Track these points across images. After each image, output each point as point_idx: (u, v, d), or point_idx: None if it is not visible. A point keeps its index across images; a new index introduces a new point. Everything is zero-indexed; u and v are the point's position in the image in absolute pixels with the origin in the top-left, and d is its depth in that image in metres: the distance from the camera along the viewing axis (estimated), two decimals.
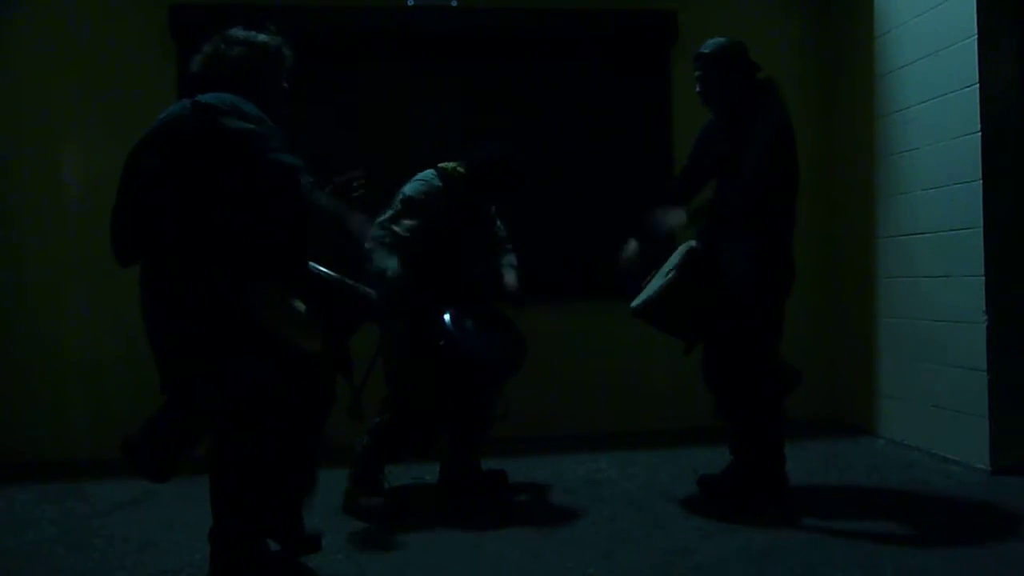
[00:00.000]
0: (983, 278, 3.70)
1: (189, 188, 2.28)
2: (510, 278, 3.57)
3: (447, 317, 3.27)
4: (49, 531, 3.22)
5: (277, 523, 2.64)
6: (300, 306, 2.38)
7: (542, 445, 4.47)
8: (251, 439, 2.36)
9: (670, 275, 3.17)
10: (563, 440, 4.63)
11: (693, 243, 3.28)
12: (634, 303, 3.29)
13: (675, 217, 3.30)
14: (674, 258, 3.28)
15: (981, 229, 3.71)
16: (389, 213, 3.36)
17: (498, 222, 3.70)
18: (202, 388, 2.37)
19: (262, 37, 2.53)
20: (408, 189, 3.40)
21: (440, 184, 3.41)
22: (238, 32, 2.52)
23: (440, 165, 3.48)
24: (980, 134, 3.71)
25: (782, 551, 2.77)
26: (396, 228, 3.28)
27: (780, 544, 2.84)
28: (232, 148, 2.26)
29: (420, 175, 3.45)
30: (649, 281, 3.35)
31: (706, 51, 3.28)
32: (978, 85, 3.72)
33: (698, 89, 3.32)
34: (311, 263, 2.55)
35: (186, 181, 2.28)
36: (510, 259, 3.65)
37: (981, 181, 3.71)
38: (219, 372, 2.32)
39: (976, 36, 3.72)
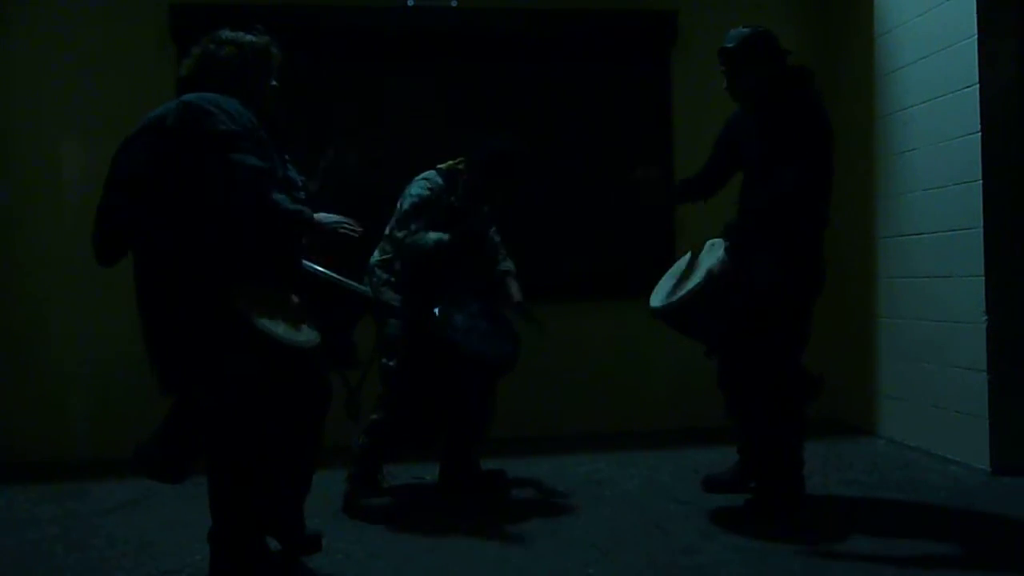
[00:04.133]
0: (983, 278, 3.70)
1: (172, 186, 2.30)
2: (514, 290, 3.58)
3: (437, 312, 3.27)
4: (49, 531, 3.21)
5: (277, 523, 2.64)
6: (291, 303, 2.38)
7: (542, 445, 4.47)
8: (245, 438, 2.36)
9: (699, 281, 3.04)
10: (563, 440, 4.62)
11: (720, 242, 3.15)
12: (656, 304, 3.19)
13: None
14: (704, 259, 3.18)
15: (981, 229, 3.71)
16: (397, 218, 3.39)
17: (493, 227, 3.70)
18: (197, 387, 2.37)
19: (249, 37, 2.55)
20: (413, 190, 3.41)
21: (441, 183, 3.42)
22: (226, 33, 2.54)
23: (439, 166, 3.49)
24: (980, 134, 3.71)
25: (782, 551, 2.77)
26: (409, 232, 3.33)
27: (780, 544, 2.83)
28: (206, 148, 2.28)
29: (422, 175, 3.46)
30: (674, 280, 3.27)
31: (729, 45, 3.13)
32: (978, 85, 3.72)
33: (724, 86, 3.19)
34: (305, 262, 2.55)
35: (169, 179, 2.30)
36: (507, 265, 3.65)
37: (981, 181, 3.71)
38: (212, 370, 2.32)
39: (976, 36, 3.72)
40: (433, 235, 3.28)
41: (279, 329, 2.31)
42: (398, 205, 3.45)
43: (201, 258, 2.31)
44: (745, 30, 3.16)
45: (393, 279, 3.39)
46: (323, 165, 2.72)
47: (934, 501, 3.35)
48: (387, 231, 3.49)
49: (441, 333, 3.24)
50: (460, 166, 3.47)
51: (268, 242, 2.41)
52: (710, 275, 3.01)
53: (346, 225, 2.50)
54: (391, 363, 3.35)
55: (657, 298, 3.24)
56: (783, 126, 3.05)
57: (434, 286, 3.36)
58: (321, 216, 2.46)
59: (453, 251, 3.27)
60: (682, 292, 3.11)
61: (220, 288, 2.27)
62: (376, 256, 3.49)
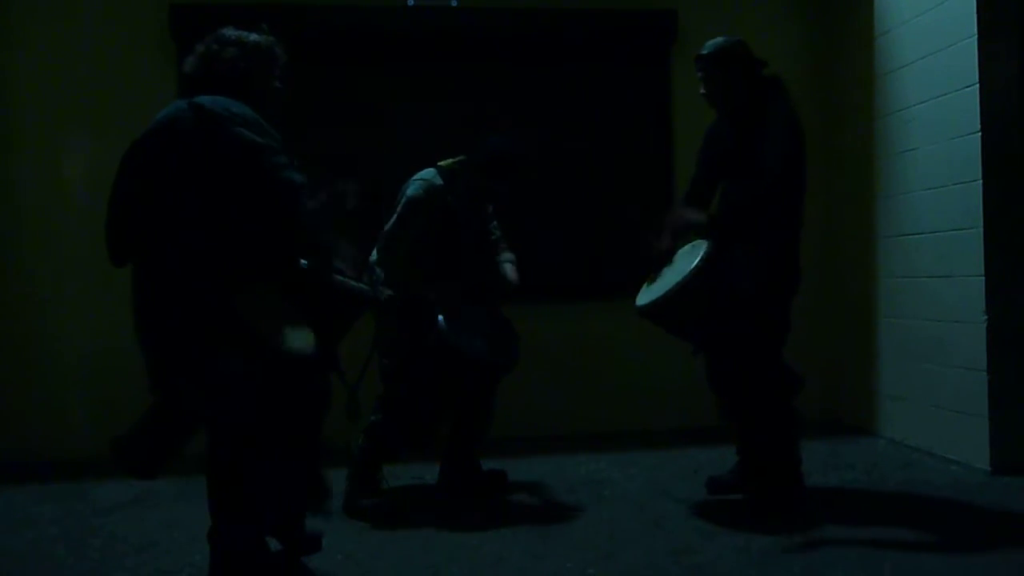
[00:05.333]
0: (983, 278, 3.70)
1: (186, 190, 2.29)
2: (510, 272, 3.57)
3: (439, 315, 3.27)
4: (49, 531, 3.22)
5: (276, 523, 2.64)
6: (289, 308, 2.37)
7: (542, 445, 4.47)
8: (243, 441, 2.35)
9: (683, 278, 3.07)
10: (563, 440, 4.62)
11: (701, 243, 3.18)
12: (641, 302, 3.21)
13: (694, 214, 3.23)
14: (684, 258, 3.20)
15: (981, 229, 3.71)
16: (394, 218, 3.38)
17: (494, 222, 3.70)
18: (189, 388, 2.36)
19: (254, 37, 2.53)
20: (410, 190, 3.41)
21: (441, 182, 3.42)
22: (230, 32, 2.52)
23: (439, 164, 3.49)
24: (980, 134, 3.71)
25: (782, 551, 2.77)
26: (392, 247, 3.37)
27: (780, 544, 2.83)
28: (241, 159, 2.27)
29: (420, 174, 3.46)
30: (654, 279, 3.30)
31: (705, 52, 3.23)
32: (978, 85, 3.72)
33: (702, 91, 3.27)
34: (304, 262, 2.55)
35: (184, 183, 2.29)
36: (508, 256, 3.65)
37: (981, 181, 3.71)
38: (207, 372, 2.32)
39: (976, 36, 3.72)
40: (413, 285, 3.34)
41: (281, 335, 2.30)
42: (396, 203, 3.45)
43: (208, 261, 2.30)
44: (720, 39, 3.24)
45: (388, 259, 3.38)
46: (325, 198, 2.72)
47: (934, 501, 3.35)
48: (385, 228, 3.48)
49: (441, 335, 3.23)
50: (460, 165, 3.47)
51: (287, 251, 2.43)
52: (692, 274, 3.04)
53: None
54: (391, 364, 3.34)
55: (642, 297, 3.26)
56: (757, 134, 3.10)
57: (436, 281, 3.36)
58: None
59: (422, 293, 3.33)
60: (662, 291, 3.13)
61: (223, 293, 2.27)
62: (375, 255, 3.48)
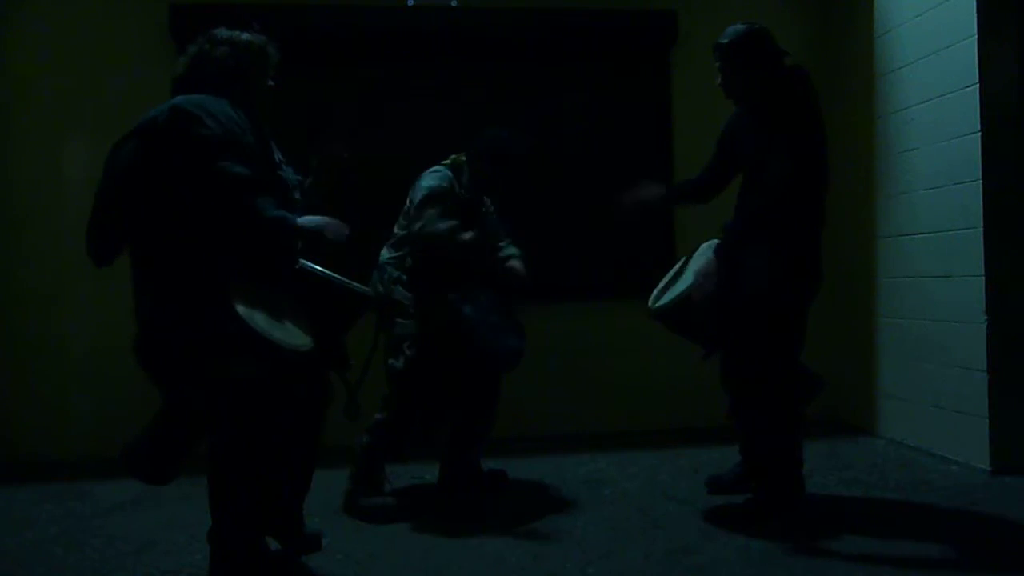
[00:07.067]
0: (983, 278, 3.70)
1: (159, 189, 2.30)
2: (519, 266, 3.55)
3: (464, 307, 3.27)
4: (49, 531, 3.22)
5: (276, 523, 2.64)
6: (285, 303, 2.37)
7: (542, 445, 4.47)
8: (245, 439, 2.36)
9: (689, 284, 3.03)
10: (563, 440, 4.63)
11: (714, 243, 3.14)
12: (654, 304, 3.19)
13: (651, 191, 3.24)
14: (699, 259, 3.17)
15: (981, 229, 3.71)
16: (410, 207, 3.38)
17: (496, 219, 3.69)
18: (192, 389, 2.36)
19: (245, 36, 2.54)
20: (425, 182, 3.40)
21: (452, 175, 3.43)
22: (222, 32, 2.53)
23: (443, 162, 3.51)
24: (980, 134, 3.71)
25: (782, 551, 2.77)
26: (425, 218, 3.31)
27: (780, 544, 2.83)
28: (191, 154, 2.28)
29: (432, 169, 3.47)
30: (669, 282, 3.27)
31: (724, 40, 3.09)
32: (978, 85, 3.72)
33: (718, 81, 3.16)
34: (303, 261, 2.55)
35: (156, 182, 2.30)
36: (514, 250, 3.63)
37: (981, 181, 3.71)
38: (208, 372, 2.32)
39: (976, 36, 3.72)
40: (447, 221, 3.26)
41: (276, 332, 2.30)
42: (409, 200, 3.44)
43: (196, 258, 2.31)
44: (741, 27, 3.12)
45: (404, 277, 3.38)
46: (315, 165, 2.72)
47: (934, 501, 3.35)
48: (396, 229, 3.47)
49: (455, 319, 3.22)
50: (463, 160, 3.48)
51: (254, 246, 2.41)
52: (697, 279, 3.01)
53: (331, 228, 2.42)
54: (398, 363, 3.34)
55: (654, 300, 3.25)
56: (776, 126, 3.02)
57: (444, 278, 3.35)
58: (305, 220, 2.40)
59: (464, 240, 3.26)
60: (673, 295, 3.12)
61: (217, 289, 2.27)
62: (385, 254, 3.46)
